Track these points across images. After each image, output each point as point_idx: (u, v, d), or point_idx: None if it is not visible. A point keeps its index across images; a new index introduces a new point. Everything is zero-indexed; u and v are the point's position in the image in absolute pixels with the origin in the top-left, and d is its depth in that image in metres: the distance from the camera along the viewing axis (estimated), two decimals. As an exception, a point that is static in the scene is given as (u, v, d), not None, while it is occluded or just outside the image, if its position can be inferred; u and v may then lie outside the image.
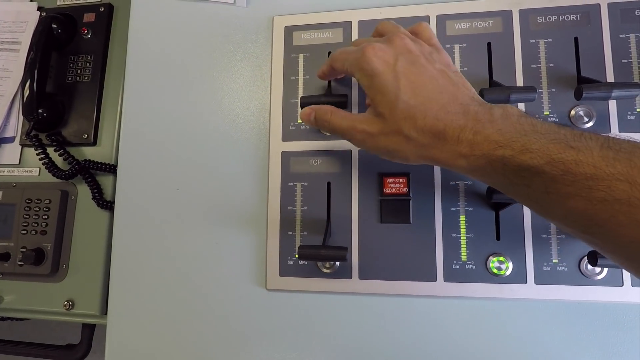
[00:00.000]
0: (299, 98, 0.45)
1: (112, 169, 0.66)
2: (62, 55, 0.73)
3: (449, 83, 0.36)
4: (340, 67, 0.41)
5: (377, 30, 0.43)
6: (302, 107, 0.45)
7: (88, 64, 0.72)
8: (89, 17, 0.75)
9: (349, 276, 0.46)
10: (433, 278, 0.44)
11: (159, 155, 0.52)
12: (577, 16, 0.46)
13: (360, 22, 0.50)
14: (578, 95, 0.40)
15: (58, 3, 0.77)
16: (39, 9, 0.77)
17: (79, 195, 0.69)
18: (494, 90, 0.41)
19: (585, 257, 0.42)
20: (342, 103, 0.44)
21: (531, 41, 0.46)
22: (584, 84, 0.40)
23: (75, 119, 0.71)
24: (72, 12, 0.75)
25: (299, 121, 0.49)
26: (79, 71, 0.73)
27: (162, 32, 0.55)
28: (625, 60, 0.44)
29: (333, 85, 0.49)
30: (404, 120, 0.35)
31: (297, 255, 0.46)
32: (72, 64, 0.73)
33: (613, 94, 0.39)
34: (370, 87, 0.37)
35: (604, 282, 0.42)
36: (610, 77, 0.44)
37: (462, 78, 0.38)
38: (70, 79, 0.72)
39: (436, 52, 0.39)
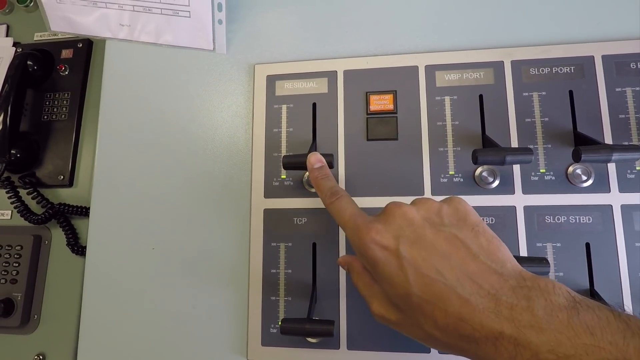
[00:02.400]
0: (282, 156, 0.43)
1: (88, 212, 0.63)
2: (38, 93, 0.70)
3: (467, 257, 0.30)
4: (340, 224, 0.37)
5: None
6: (284, 167, 0.42)
7: (65, 102, 0.69)
8: (66, 54, 0.72)
9: (337, 346, 0.43)
10: (427, 349, 0.41)
11: (133, 209, 0.49)
12: (571, 68, 0.44)
13: (345, 72, 0.47)
14: (577, 158, 0.38)
15: (35, 39, 0.74)
16: (15, 44, 0.74)
17: (53, 240, 0.65)
18: (488, 151, 0.39)
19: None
20: (328, 163, 0.41)
21: (524, 94, 0.44)
22: (582, 146, 0.38)
23: (51, 159, 0.68)
24: (50, 48, 0.72)
25: (283, 176, 0.46)
26: (55, 109, 0.70)
27: (137, 78, 0.52)
28: (623, 116, 0.42)
29: (319, 141, 0.46)
30: (423, 317, 0.30)
31: (279, 323, 0.43)
32: (48, 101, 0.70)
33: (613, 158, 0.37)
34: (376, 275, 0.33)
35: None
36: (607, 133, 0.42)
37: (483, 237, 0.31)
38: (46, 117, 0.69)
39: (446, 205, 0.33)
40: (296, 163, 0.41)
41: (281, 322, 0.39)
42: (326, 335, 0.39)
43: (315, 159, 0.40)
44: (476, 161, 0.39)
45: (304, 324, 0.39)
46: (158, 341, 0.46)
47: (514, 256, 0.35)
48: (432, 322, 0.29)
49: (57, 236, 0.64)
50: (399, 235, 0.31)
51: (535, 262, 0.36)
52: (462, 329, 0.28)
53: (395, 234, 0.32)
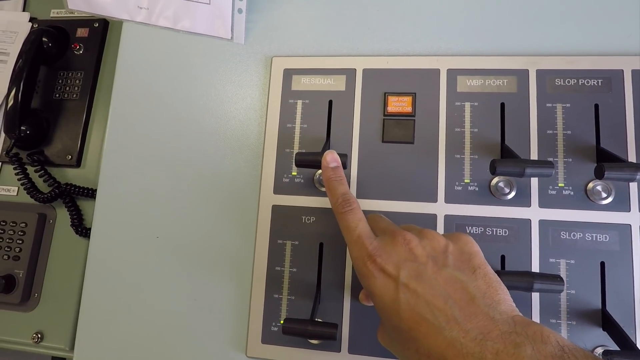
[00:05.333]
0: (294, 153, 0.41)
1: (94, 194, 0.63)
2: (51, 70, 0.70)
3: (463, 299, 0.30)
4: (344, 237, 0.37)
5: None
6: (296, 165, 0.41)
7: (77, 81, 0.69)
8: (82, 32, 0.71)
9: (338, 349, 0.42)
10: (428, 358, 0.41)
11: (140, 195, 0.48)
12: (598, 81, 0.43)
13: (365, 71, 0.46)
14: (599, 174, 0.37)
15: (51, 15, 0.73)
16: (31, 19, 0.73)
17: (58, 219, 0.65)
18: (508, 162, 0.38)
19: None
20: (342, 163, 0.40)
21: (548, 105, 0.43)
22: (606, 163, 0.37)
23: (60, 138, 0.67)
24: (65, 26, 0.71)
25: (294, 173, 0.45)
26: (67, 88, 0.69)
27: (152, 63, 0.51)
28: None
29: (333, 139, 0.45)
30: (408, 351, 0.30)
31: (282, 322, 0.42)
32: (60, 80, 0.69)
33: (638, 177, 0.36)
34: (373, 300, 0.33)
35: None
36: (631, 150, 0.41)
37: (483, 280, 0.31)
38: (57, 95, 0.69)
39: (452, 244, 0.33)
40: (309, 161, 0.40)
41: (284, 321, 0.39)
42: (329, 339, 0.38)
43: (331, 158, 0.39)
44: (494, 171, 0.38)
45: (307, 325, 0.38)
46: (156, 330, 0.46)
47: (526, 272, 0.34)
48: (416, 357, 0.30)
49: (62, 216, 0.64)
50: (401, 267, 0.32)
51: (550, 279, 0.35)
52: None
53: (398, 264, 0.32)
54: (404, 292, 0.31)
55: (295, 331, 0.38)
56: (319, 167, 0.41)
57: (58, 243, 0.63)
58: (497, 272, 0.33)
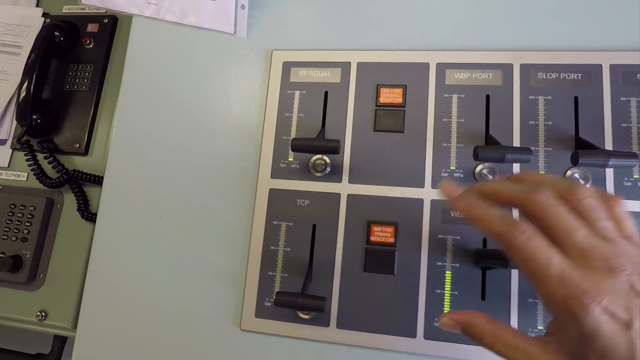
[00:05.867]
0: (291, 139, 0.44)
1: (100, 181, 0.65)
2: (62, 63, 0.73)
3: None
4: (514, 256, 0.29)
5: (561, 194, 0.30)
6: (292, 149, 0.44)
7: (87, 74, 0.72)
8: (92, 28, 0.74)
9: (327, 324, 0.44)
10: (413, 334, 0.43)
11: (145, 179, 0.51)
12: (578, 75, 0.45)
13: (359, 64, 0.49)
14: (574, 161, 0.40)
15: (63, 11, 0.77)
16: (44, 14, 0.77)
17: (65, 204, 0.68)
18: (489, 148, 0.40)
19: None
20: (334, 149, 0.43)
21: (530, 97, 0.45)
22: (580, 150, 0.39)
23: (69, 127, 0.70)
24: (76, 21, 0.75)
25: (290, 159, 0.48)
26: (77, 80, 0.72)
27: (160, 56, 0.54)
28: (625, 125, 0.43)
29: (327, 128, 0.48)
30: None
31: (274, 297, 0.44)
32: (71, 72, 0.72)
33: (610, 163, 0.38)
34: (587, 346, 0.26)
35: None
36: (608, 140, 0.43)
37: None
38: (67, 87, 0.72)
39: None
40: (305, 146, 0.43)
41: (276, 294, 0.41)
42: (317, 310, 0.40)
43: (449, 186, 0.34)
44: (477, 157, 0.40)
45: (297, 297, 0.40)
46: (157, 306, 0.48)
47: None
48: None
49: (69, 201, 0.67)
50: (632, 307, 0.26)
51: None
52: None
53: (629, 304, 0.26)
54: None
55: (286, 303, 0.41)
56: (314, 152, 0.43)
57: (64, 227, 0.66)
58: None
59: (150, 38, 0.55)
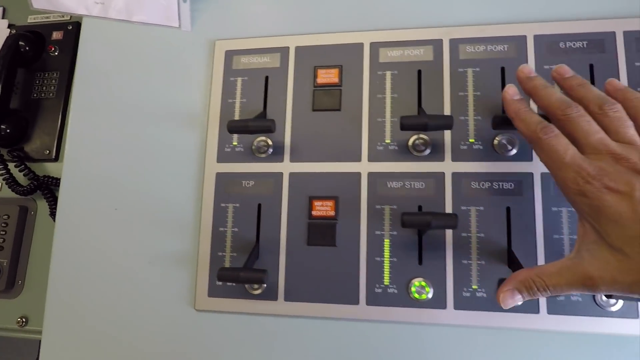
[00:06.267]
0: (227, 122, 0.46)
1: (69, 184, 0.67)
2: (29, 72, 0.75)
3: None
4: (539, 153, 0.36)
5: (575, 93, 0.37)
6: (229, 131, 0.46)
7: (53, 81, 0.74)
8: (57, 35, 0.76)
9: (275, 298, 0.46)
10: (355, 301, 0.45)
11: (100, 173, 0.53)
12: (504, 47, 0.47)
13: (297, 48, 0.51)
14: (494, 125, 0.41)
15: (29, 21, 0.79)
16: (10, 26, 0.79)
17: (39, 211, 0.69)
18: (412, 118, 0.42)
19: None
20: (268, 127, 0.45)
21: (459, 70, 0.47)
22: (496, 116, 0.41)
23: (39, 135, 0.72)
24: (41, 30, 0.77)
25: (234, 143, 0.50)
26: (44, 87, 0.74)
27: (110, 53, 0.56)
28: None
29: (269, 110, 0.50)
30: None
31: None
32: (38, 80, 0.74)
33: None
34: (600, 220, 0.32)
35: (521, 309, 0.42)
36: (533, 108, 0.45)
37: None
38: (35, 95, 0.74)
39: None
40: (239, 127, 0.45)
41: (218, 270, 0.43)
42: (258, 282, 0.42)
43: (514, 91, 0.39)
44: (402, 127, 0.42)
45: (238, 272, 0.42)
46: (117, 294, 0.50)
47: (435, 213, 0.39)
48: None
49: (43, 207, 0.68)
50: (633, 182, 0.31)
51: (444, 218, 0.39)
52: None
53: (629, 180, 0.31)
54: None
55: (228, 277, 0.42)
56: (249, 132, 0.45)
57: (39, 233, 0.68)
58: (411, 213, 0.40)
59: (100, 37, 0.57)
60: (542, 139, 0.35)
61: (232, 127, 0.45)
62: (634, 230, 0.30)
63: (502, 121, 0.41)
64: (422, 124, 0.42)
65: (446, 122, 0.42)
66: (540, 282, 0.34)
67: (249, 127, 0.45)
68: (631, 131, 0.34)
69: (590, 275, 0.32)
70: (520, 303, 0.36)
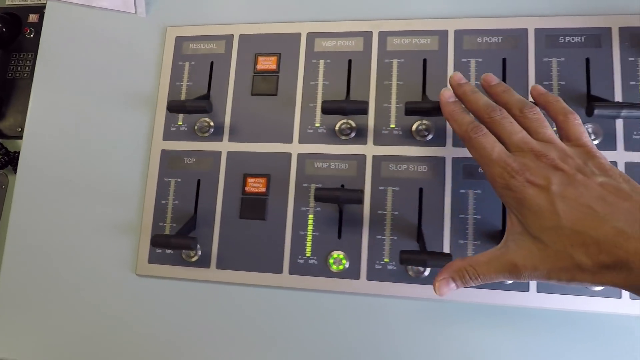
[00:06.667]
0: (168, 102, 0.50)
1: (38, 160, 0.71)
2: (5, 53, 0.78)
3: (621, 197, 0.31)
4: (468, 146, 0.39)
5: (496, 95, 0.41)
6: (168, 110, 0.50)
7: (28, 62, 0.77)
8: (33, 18, 0.80)
9: (208, 266, 0.50)
10: (279, 270, 0.49)
11: (57, 148, 0.57)
12: (427, 40, 0.51)
13: (241, 36, 0.55)
14: (407, 112, 0.45)
15: (7, 3, 0.82)
16: (-12, 8, 0.82)
17: (10, 184, 0.73)
18: (331, 103, 0.46)
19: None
20: (203, 107, 0.49)
21: (386, 60, 0.51)
22: (409, 102, 0.45)
23: (12, 113, 0.76)
24: (18, 12, 0.80)
25: (179, 123, 0.54)
26: (19, 68, 0.78)
27: (71, 37, 0.60)
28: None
29: (212, 93, 0.53)
30: (572, 247, 0.31)
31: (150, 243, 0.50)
32: (13, 61, 0.78)
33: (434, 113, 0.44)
34: (521, 211, 0.34)
35: (425, 281, 0.46)
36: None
37: (630, 182, 0.33)
38: (10, 75, 0.77)
39: (591, 158, 0.35)
40: (176, 106, 0.49)
41: (152, 237, 0.47)
42: (186, 248, 0.46)
43: (449, 94, 0.42)
44: (323, 111, 0.46)
45: (170, 238, 0.46)
46: (67, 262, 0.54)
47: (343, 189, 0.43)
48: (582, 250, 0.31)
49: (14, 182, 0.72)
50: (551, 178, 0.33)
51: (350, 193, 0.43)
52: (615, 256, 0.29)
53: (547, 177, 0.33)
54: (560, 196, 0.32)
55: (160, 243, 0.47)
56: (185, 111, 0.49)
57: (10, 205, 0.72)
58: (322, 188, 0.43)
59: (63, 20, 0.61)
60: (472, 138, 0.38)
61: (171, 106, 0.49)
62: (551, 220, 0.32)
63: (414, 109, 0.45)
64: (340, 109, 0.45)
65: (361, 107, 0.46)
66: (472, 271, 0.36)
67: (186, 106, 0.49)
68: (549, 131, 0.37)
69: (515, 263, 0.34)
70: (454, 290, 0.37)
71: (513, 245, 0.35)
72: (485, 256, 0.36)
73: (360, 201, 0.44)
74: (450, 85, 0.43)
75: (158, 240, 0.47)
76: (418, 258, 0.42)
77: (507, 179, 0.35)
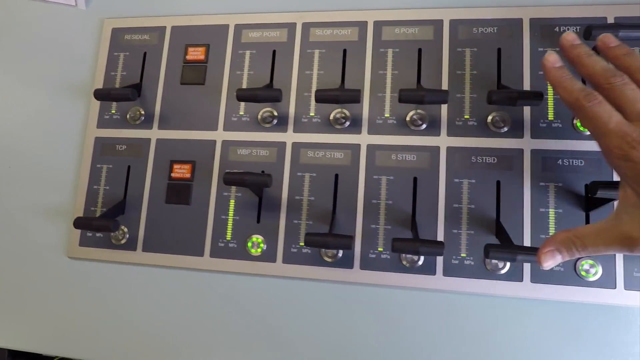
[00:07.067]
0: (95, 90, 0.52)
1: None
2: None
3: None
4: (577, 112, 0.36)
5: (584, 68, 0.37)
6: (95, 97, 0.52)
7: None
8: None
9: (135, 248, 0.52)
10: (201, 254, 0.51)
11: None
12: (348, 31, 0.52)
13: (173, 27, 0.57)
14: (317, 99, 0.47)
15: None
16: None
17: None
18: (245, 90, 0.48)
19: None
20: (126, 95, 0.50)
21: (308, 51, 0.53)
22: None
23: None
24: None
25: (112, 111, 0.56)
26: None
27: (14, 28, 0.62)
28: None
29: (144, 82, 0.55)
30: None
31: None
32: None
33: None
34: (637, 179, 0.33)
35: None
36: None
37: None
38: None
39: None
40: (103, 94, 0.51)
41: (75, 219, 0.49)
42: (107, 230, 0.48)
43: (555, 59, 0.39)
44: (237, 98, 0.48)
45: (91, 220, 0.48)
46: (5, 243, 0.56)
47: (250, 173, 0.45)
48: None
49: None
50: None
51: (257, 176, 0.45)
52: None
53: None
54: None
55: (82, 225, 0.48)
56: (110, 99, 0.51)
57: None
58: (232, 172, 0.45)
59: (7, 11, 0.63)
60: (585, 107, 0.35)
61: (97, 94, 0.51)
62: None
63: (323, 97, 0.46)
64: (253, 97, 0.47)
65: (276, 95, 0.47)
66: (580, 242, 0.35)
67: (111, 94, 0.51)
68: None
69: (630, 235, 0.33)
70: (559, 263, 0.37)
71: (626, 217, 0.34)
72: (593, 228, 0.35)
73: (267, 184, 0.45)
74: (562, 46, 0.39)
75: (80, 222, 0.48)
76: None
77: (627, 149, 0.32)
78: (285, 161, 0.51)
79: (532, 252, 0.40)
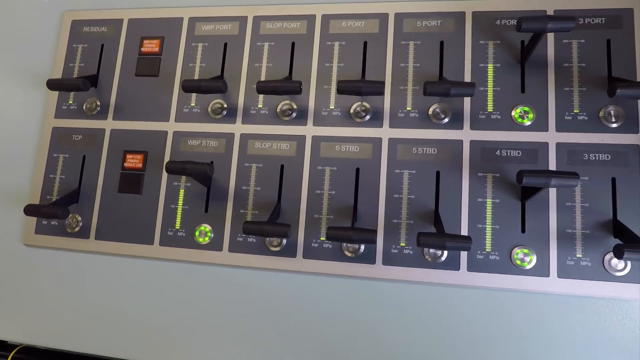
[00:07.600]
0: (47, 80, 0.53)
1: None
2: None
3: None
4: None
5: None
6: (47, 87, 0.53)
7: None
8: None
9: (88, 237, 0.53)
10: (151, 242, 0.52)
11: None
12: (297, 24, 0.53)
13: (130, 20, 0.58)
14: (258, 89, 0.48)
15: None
16: None
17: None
18: (190, 81, 0.49)
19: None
20: (78, 85, 0.51)
21: (258, 44, 0.54)
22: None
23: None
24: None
25: (70, 102, 0.57)
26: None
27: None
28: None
29: (101, 73, 0.56)
30: None
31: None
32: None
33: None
34: None
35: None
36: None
37: None
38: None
39: None
40: (62, 85, 0.52)
41: (25, 206, 0.50)
42: (56, 217, 0.49)
43: None
44: (184, 89, 0.49)
45: (41, 208, 0.49)
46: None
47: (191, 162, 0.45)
48: None
49: None
50: None
51: (197, 165, 0.46)
52: None
53: None
54: None
55: (33, 212, 0.50)
56: (64, 89, 0.53)
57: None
58: (173, 162, 0.45)
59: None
60: None
61: (50, 83, 0.52)
62: None
63: (264, 88, 0.47)
64: (197, 88, 0.48)
65: (221, 86, 0.48)
66: None
67: (64, 84, 0.52)
68: None
69: None
70: None
71: None
72: None
73: (206, 174, 0.46)
74: None
75: (30, 209, 0.50)
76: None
77: None
78: (234, 152, 0.52)
79: (461, 240, 0.41)
